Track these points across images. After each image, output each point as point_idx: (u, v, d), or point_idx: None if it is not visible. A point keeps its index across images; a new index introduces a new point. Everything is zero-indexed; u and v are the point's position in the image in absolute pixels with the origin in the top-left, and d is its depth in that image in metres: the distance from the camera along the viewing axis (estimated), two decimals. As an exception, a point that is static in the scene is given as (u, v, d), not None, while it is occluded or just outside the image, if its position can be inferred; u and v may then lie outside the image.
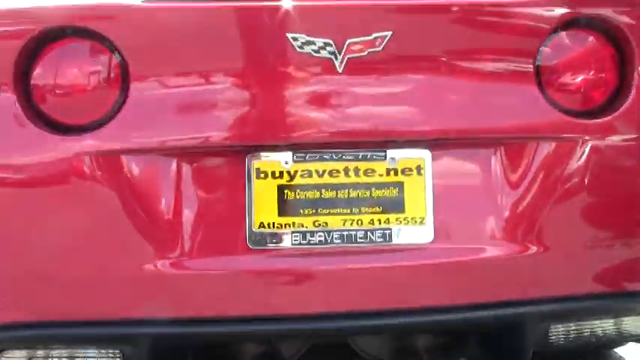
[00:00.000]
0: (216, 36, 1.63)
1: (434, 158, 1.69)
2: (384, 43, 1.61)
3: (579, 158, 1.71)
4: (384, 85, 1.67)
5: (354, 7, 1.64)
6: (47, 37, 1.63)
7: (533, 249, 1.69)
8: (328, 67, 1.61)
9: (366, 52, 1.61)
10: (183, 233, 1.66)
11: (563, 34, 1.72)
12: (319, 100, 1.64)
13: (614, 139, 1.73)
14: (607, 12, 1.73)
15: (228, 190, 1.68)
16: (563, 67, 1.73)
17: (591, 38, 1.74)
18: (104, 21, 1.63)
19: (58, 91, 1.64)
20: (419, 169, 1.68)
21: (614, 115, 1.73)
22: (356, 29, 1.60)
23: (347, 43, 1.60)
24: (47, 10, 1.64)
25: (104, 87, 1.64)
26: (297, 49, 1.59)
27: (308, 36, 1.59)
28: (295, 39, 1.59)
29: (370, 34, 1.61)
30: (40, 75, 1.64)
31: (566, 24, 1.72)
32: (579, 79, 1.74)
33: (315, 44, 1.60)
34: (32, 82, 1.64)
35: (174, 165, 1.66)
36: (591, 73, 1.74)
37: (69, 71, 1.64)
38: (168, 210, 1.66)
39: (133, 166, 1.64)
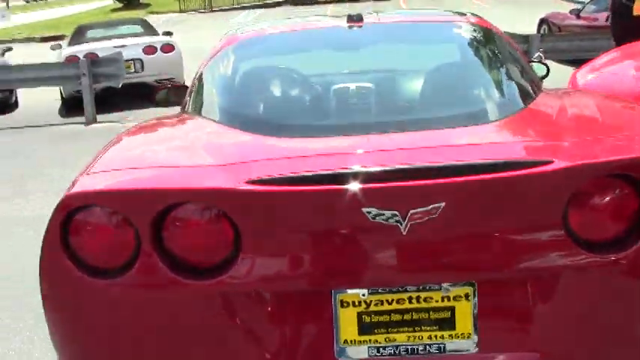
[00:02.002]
0: (309, 209, 2.15)
1: (479, 287, 2.19)
2: (439, 212, 2.08)
3: (602, 287, 2.19)
4: (439, 241, 2.16)
5: (414, 186, 2.09)
6: (176, 208, 2.20)
7: None
8: (395, 231, 2.10)
9: (425, 219, 2.09)
10: (285, 350, 2.25)
11: (585, 189, 2.16)
12: (389, 254, 2.17)
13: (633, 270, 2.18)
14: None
15: (319, 316, 2.23)
16: (586, 213, 2.17)
17: (611, 185, 2.18)
18: (223, 200, 2.17)
19: (185, 248, 2.21)
20: (467, 295, 2.18)
21: (632, 250, 2.16)
22: (416, 202, 2.08)
23: (409, 213, 2.08)
24: (179, 189, 2.23)
25: (221, 245, 2.19)
26: (371, 219, 2.09)
27: (379, 209, 2.08)
28: (369, 212, 2.09)
29: (427, 206, 2.08)
30: (170, 236, 2.21)
31: (587, 182, 2.16)
32: (601, 220, 2.18)
33: (384, 215, 2.08)
34: (166, 242, 2.21)
35: (277, 301, 2.22)
36: (611, 215, 2.19)
37: (193, 232, 2.22)
38: (272, 333, 2.24)
39: (241, 303, 2.22)
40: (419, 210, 2.07)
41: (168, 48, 12.24)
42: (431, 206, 2.07)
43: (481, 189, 2.11)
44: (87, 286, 2.24)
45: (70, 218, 2.21)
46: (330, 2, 35.44)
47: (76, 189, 2.29)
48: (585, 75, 6.36)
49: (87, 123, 10.75)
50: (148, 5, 40.62)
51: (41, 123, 11.00)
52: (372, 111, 3.08)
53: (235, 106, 3.11)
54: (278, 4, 36.37)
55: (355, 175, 2.11)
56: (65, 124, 11.04)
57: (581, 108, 2.87)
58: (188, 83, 4.18)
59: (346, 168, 2.16)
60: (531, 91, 3.03)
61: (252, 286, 2.20)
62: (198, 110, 3.26)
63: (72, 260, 2.23)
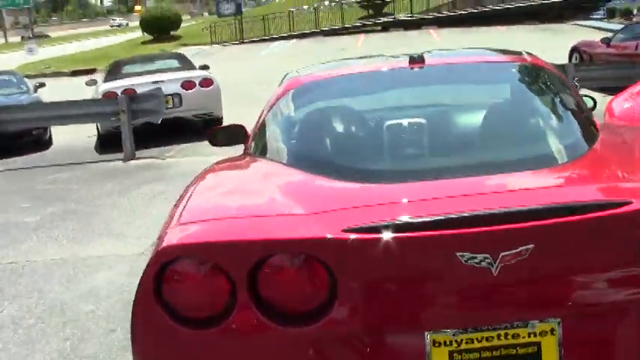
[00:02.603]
0: (404, 255, 2.19)
1: (563, 321, 2.22)
2: (527, 254, 2.15)
3: None
4: (527, 280, 2.22)
5: (505, 230, 2.15)
6: (273, 256, 2.22)
7: None
8: (486, 272, 2.16)
9: (514, 261, 2.15)
10: None
11: None
12: (480, 294, 2.23)
13: None
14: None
15: (412, 356, 2.25)
16: None
17: None
18: (320, 248, 2.20)
19: (282, 296, 2.22)
20: (552, 330, 2.22)
21: None
22: (507, 245, 2.15)
23: (500, 255, 2.14)
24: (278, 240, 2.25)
25: (318, 292, 2.21)
26: (464, 262, 2.15)
27: (471, 253, 2.15)
28: (462, 256, 2.15)
29: (518, 248, 2.15)
30: (266, 285, 2.21)
31: None
32: None
33: (476, 258, 2.15)
34: (261, 290, 2.22)
35: (372, 344, 2.24)
36: None
37: (290, 280, 2.23)
38: None
39: (337, 347, 2.25)
40: (509, 252, 2.15)
41: (206, 82, 11.99)
42: (521, 248, 2.15)
43: (567, 231, 2.20)
44: (181, 336, 2.25)
45: (164, 270, 2.24)
46: (360, 32, 35.41)
47: (170, 241, 2.31)
48: (622, 103, 6.47)
49: (125, 159, 10.46)
50: (178, 37, 40.97)
51: (79, 160, 10.72)
52: (447, 154, 3.06)
53: (312, 150, 3.11)
54: (309, 35, 36.37)
55: (448, 221, 2.18)
56: (103, 161, 10.72)
57: None
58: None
59: (438, 214, 2.22)
60: (592, 129, 3.10)
61: (349, 330, 2.24)
62: (269, 153, 3.23)
63: (166, 311, 2.24)
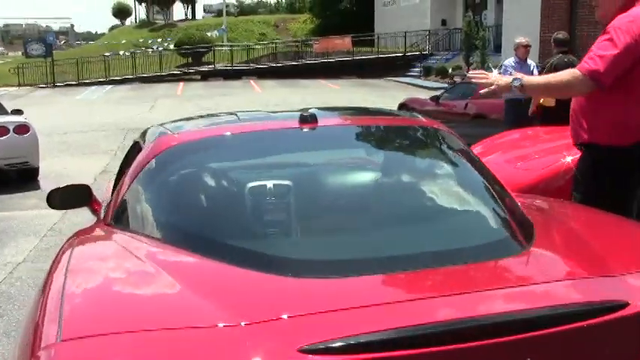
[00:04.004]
0: None
1: None
2: None
3: None
4: None
5: (493, 344, 1.75)
6: None
7: None
8: None
9: None
10: None
11: None
12: None
13: None
14: None
15: None
16: None
17: None
18: None
19: None
20: None
21: None
22: None
23: None
24: None
25: None
26: None
27: None
28: None
29: None
30: None
31: None
32: None
33: None
34: None
35: None
36: None
37: None
38: None
39: None
40: None
41: (22, 129, 10.88)
42: None
43: (563, 339, 1.85)
44: None
45: None
46: (179, 80, 34.79)
47: None
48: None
49: None
50: (-19, 78, 38.18)
51: None
52: (381, 239, 2.47)
53: (211, 229, 2.50)
54: (126, 81, 35.21)
55: (429, 336, 1.73)
56: None
57: (589, 226, 2.83)
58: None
59: (413, 325, 1.76)
60: (515, 202, 2.77)
61: None
62: (149, 229, 2.60)
63: None
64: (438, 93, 15.33)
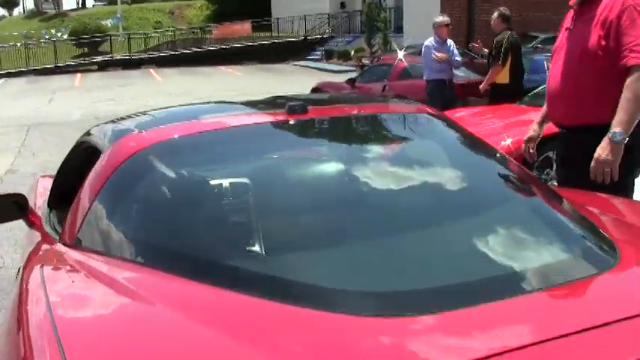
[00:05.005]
0: None
1: None
2: None
3: None
4: None
5: None
6: None
7: None
8: None
9: None
10: None
11: None
12: None
13: None
14: None
15: None
16: None
17: None
18: None
19: None
20: None
21: None
22: None
23: None
24: None
25: None
26: None
27: None
28: None
29: None
30: None
31: None
32: None
33: None
34: None
35: None
36: None
37: None
38: None
39: None
40: None
41: None
42: None
43: None
44: None
45: None
46: (76, 72, 33.59)
47: None
48: None
49: None
50: None
51: None
52: (431, 263, 2.00)
53: (213, 253, 2.06)
54: (20, 74, 33.68)
55: None
56: None
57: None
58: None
59: None
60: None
61: None
62: (128, 252, 2.14)
63: None
64: (344, 76, 15.16)
